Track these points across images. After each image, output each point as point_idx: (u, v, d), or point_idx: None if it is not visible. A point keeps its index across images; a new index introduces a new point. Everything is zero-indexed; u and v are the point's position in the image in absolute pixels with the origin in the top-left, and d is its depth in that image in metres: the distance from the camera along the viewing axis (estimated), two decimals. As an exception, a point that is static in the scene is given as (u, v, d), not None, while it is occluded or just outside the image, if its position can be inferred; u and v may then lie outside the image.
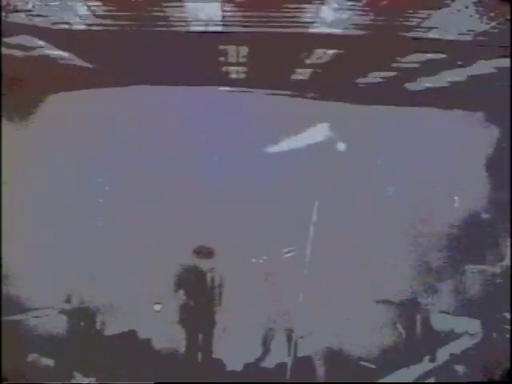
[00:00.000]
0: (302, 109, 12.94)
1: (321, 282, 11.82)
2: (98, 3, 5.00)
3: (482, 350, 6.49)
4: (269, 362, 8.83)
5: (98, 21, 5.44)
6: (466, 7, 4.90)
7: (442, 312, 11.79)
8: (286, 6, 5.08)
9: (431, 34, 5.71)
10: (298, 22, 5.51)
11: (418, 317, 10.78)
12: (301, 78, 8.32)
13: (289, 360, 10.18)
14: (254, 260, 11.55)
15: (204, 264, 10.00)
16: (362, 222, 12.72)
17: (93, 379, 5.85)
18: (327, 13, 5.25)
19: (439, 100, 10.38)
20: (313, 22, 5.46)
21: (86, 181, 12.10)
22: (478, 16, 5.13)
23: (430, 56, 6.79)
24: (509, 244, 11.50)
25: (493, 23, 5.32)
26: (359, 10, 5.15)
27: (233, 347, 10.38)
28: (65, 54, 7.03)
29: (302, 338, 11.66)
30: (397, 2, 4.97)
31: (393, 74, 7.87)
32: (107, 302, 10.81)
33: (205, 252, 10.02)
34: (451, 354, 10.53)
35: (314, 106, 12.86)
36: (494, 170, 13.10)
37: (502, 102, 9.67)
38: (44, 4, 5.05)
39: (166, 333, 10.63)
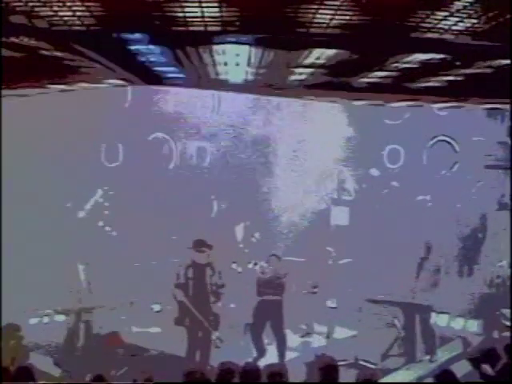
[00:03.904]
0: (302, 109, 12.94)
1: (320, 282, 11.81)
2: (97, 4, 4.99)
3: (482, 350, 6.46)
4: (267, 362, 8.81)
5: (97, 21, 5.43)
6: (465, 7, 4.89)
7: (442, 312, 11.78)
8: (286, 6, 5.07)
9: (431, 34, 5.70)
10: (297, 22, 5.50)
11: (418, 317, 10.77)
12: (300, 78, 8.30)
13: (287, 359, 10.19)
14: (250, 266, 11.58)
15: (202, 259, 10.01)
16: (363, 222, 12.72)
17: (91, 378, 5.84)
18: (327, 13, 5.24)
19: (439, 100, 10.37)
20: (312, 22, 5.45)
21: (85, 181, 12.11)
22: (477, 16, 5.12)
23: (429, 56, 6.77)
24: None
25: (492, 23, 5.30)
26: (359, 10, 5.14)
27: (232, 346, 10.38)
28: (64, 55, 7.01)
29: (301, 337, 11.67)
30: (396, 2, 4.96)
31: (393, 74, 7.85)
32: (107, 302, 10.81)
33: (204, 246, 10.03)
34: (451, 354, 10.53)
35: (314, 106, 12.86)
36: (494, 169, 13.08)
37: (502, 102, 9.66)
38: (43, 4, 5.04)
39: (165, 332, 10.64)
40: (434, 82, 8.38)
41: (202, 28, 5.64)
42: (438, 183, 13.39)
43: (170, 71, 8.21)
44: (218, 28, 5.64)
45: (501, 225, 12.70)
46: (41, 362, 7.01)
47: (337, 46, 6.35)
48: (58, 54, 6.88)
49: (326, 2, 4.93)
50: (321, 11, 5.13)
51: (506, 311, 10.16)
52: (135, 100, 12.51)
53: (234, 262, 11.63)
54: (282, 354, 10.25)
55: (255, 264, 11.15)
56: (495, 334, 10.58)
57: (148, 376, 5.84)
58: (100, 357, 9.89)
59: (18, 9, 5.11)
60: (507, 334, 9.49)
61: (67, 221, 11.60)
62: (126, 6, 5.03)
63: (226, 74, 8.16)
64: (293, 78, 8.31)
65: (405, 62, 7.08)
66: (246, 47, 6.56)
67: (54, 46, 6.50)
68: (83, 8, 5.12)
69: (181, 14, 5.28)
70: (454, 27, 5.50)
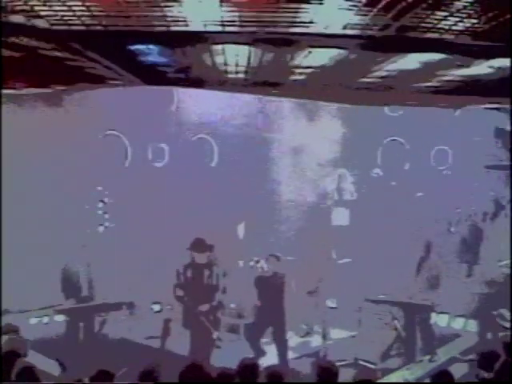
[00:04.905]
0: (302, 109, 12.94)
1: (320, 282, 11.81)
2: (97, 3, 4.99)
3: (482, 350, 6.47)
4: (266, 362, 8.81)
5: (97, 21, 5.43)
6: (465, 7, 4.89)
7: (442, 312, 11.79)
8: (285, 5, 5.07)
9: (430, 34, 5.70)
10: (297, 22, 5.50)
11: (418, 317, 10.78)
12: (300, 78, 8.30)
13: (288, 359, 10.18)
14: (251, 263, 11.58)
15: (201, 259, 9.99)
16: (364, 222, 12.72)
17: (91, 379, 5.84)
18: (326, 13, 5.24)
19: (439, 100, 10.37)
20: (312, 22, 5.45)
21: (85, 182, 12.12)
22: (477, 16, 5.12)
23: (429, 56, 6.78)
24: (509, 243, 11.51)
25: (492, 23, 5.30)
26: (359, 10, 5.14)
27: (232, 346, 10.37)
28: (64, 55, 7.02)
29: (301, 337, 11.67)
30: (396, 2, 4.96)
31: (393, 74, 7.85)
32: (106, 301, 10.82)
33: (203, 246, 10.01)
34: (451, 354, 10.53)
35: (314, 107, 12.86)
36: (494, 169, 13.11)
37: (502, 102, 9.67)
38: (43, 4, 5.04)
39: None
40: (434, 82, 8.38)
41: (201, 28, 5.64)
42: (438, 183, 13.41)
43: (170, 71, 8.21)
44: (218, 28, 5.64)
45: (501, 225, 12.72)
46: (41, 362, 7.00)
47: (337, 46, 6.36)
48: (58, 54, 6.88)
49: (326, 2, 4.93)
50: (321, 11, 5.14)
51: (505, 312, 10.16)
52: (133, 101, 12.51)
53: (234, 263, 11.64)
54: (283, 357, 10.18)
55: (257, 262, 11.17)
56: (489, 336, 10.59)
57: (154, 369, 5.87)
58: (100, 356, 9.89)
59: (17, 9, 5.11)
60: (504, 334, 9.48)
61: (67, 220, 11.60)
62: (126, 5, 5.03)
63: (226, 73, 8.16)
64: (293, 77, 8.30)
65: (405, 62, 7.09)
66: (246, 47, 6.56)
67: (54, 46, 6.50)
68: (83, 8, 5.12)
69: (180, 14, 5.28)
70: (454, 27, 5.50)
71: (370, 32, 5.67)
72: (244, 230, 12.69)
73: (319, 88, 9.32)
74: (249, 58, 7.14)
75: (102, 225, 12.59)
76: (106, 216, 12.64)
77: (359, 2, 4.93)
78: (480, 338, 10.76)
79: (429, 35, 5.72)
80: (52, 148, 11.58)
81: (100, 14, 5.27)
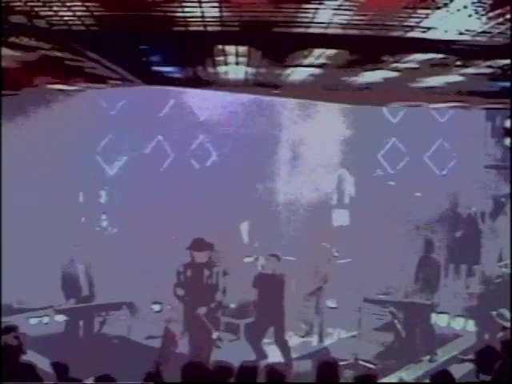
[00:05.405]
0: (302, 109, 12.94)
1: (321, 282, 11.80)
2: (97, 4, 4.99)
3: (481, 350, 6.47)
4: (266, 362, 8.80)
5: (97, 21, 5.43)
6: (465, 7, 4.89)
7: (442, 312, 11.78)
8: (285, 5, 5.07)
9: (430, 34, 5.70)
10: (296, 22, 5.50)
11: (418, 317, 10.77)
12: (300, 78, 8.30)
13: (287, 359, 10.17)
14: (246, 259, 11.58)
15: (201, 258, 9.96)
16: (364, 222, 12.72)
17: (91, 379, 5.84)
18: (326, 13, 5.24)
19: (438, 100, 10.38)
20: (311, 22, 5.45)
21: (85, 181, 12.13)
22: (477, 16, 5.12)
23: (429, 56, 6.78)
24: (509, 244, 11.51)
25: (492, 23, 5.31)
26: (359, 10, 5.15)
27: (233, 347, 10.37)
28: (64, 55, 7.02)
29: (301, 337, 11.67)
30: (396, 2, 4.97)
31: (393, 74, 7.86)
32: (107, 301, 10.82)
33: (203, 245, 9.98)
34: (451, 354, 10.52)
35: (314, 107, 12.86)
36: (494, 169, 13.11)
37: (502, 102, 9.67)
38: (43, 4, 5.05)
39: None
40: (434, 82, 8.39)
41: (201, 28, 5.64)
42: (438, 183, 13.42)
43: (170, 71, 8.22)
44: (218, 28, 5.64)
45: (501, 225, 12.72)
46: (41, 362, 7.00)
47: (337, 45, 6.36)
48: (58, 54, 6.89)
49: (325, 2, 4.93)
50: (321, 11, 5.14)
51: (505, 311, 10.16)
52: (131, 101, 12.53)
53: (234, 262, 11.63)
54: (287, 357, 10.13)
55: (256, 259, 11.17)
56: (487, 336, 10.59)
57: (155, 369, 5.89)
58: (100, 356, 9.90)
59: (17, 9, 5.11)
60: (503, 333, 9.47)
61: (68, 220, 11.60)
62: (126, 5, 5.03)
63: (226, 73, 8.16)
64: (293, 77, 8.31)
65: (405, 62, 7.09)
66: (246, 47, 6.57)
67: (54, 46, 6.50)
68: (83, 8, 5.12)
69: (181, 14, 5.28)
70: (454, 27, 5.50)
71: (369, 32, 5.67)
72: (246, 230, 12.70)
73: (319, 88, 9.32)
74: (249, 58, 7.14)
75: (101, 225, 12.60)
76: (106, 216, 12.65)
77: (359, 1, 4.93)
78: (479, 338, 10.75)
79: (428, 35, 5.73)
80: (51, 148, 11.59)
81: (100, 14, 5.27)
